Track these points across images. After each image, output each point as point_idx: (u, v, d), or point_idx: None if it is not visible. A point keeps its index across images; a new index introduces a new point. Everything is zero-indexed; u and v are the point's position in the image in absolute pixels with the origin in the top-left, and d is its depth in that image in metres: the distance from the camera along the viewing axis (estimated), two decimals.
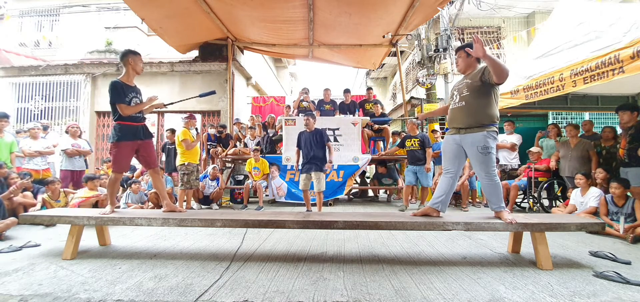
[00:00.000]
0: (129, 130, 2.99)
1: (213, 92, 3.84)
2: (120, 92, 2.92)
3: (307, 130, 4.79)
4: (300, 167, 4.87)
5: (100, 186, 5.03)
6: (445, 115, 2.99)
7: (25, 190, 4.51)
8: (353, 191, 6.63)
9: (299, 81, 21.29)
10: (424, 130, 8.21)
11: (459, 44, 8.72)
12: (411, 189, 5.79)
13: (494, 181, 2.64)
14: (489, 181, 2.65)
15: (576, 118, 8.18)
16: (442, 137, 6.85)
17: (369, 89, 7.42)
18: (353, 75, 17.52)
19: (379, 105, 6.99)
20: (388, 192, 7.16)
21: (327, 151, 4.72)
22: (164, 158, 6.55)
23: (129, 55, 3.00)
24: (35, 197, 4.59)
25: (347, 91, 7.42)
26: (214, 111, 7.98)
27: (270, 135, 6.97)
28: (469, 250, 2.96)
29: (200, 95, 3.74)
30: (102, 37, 10.23)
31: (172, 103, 3.45)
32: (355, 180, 6.30)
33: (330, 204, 6.16)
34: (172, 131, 6.17)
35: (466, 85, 2.68)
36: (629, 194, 3.70)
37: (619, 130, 4.48)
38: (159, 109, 3.15)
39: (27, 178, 4.61)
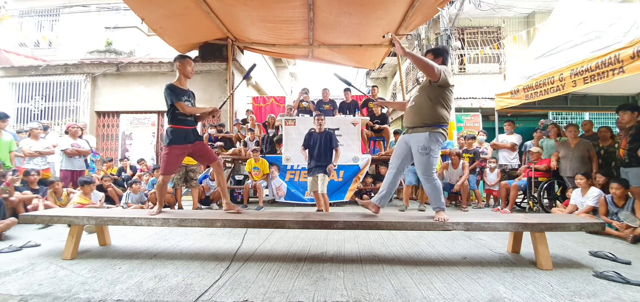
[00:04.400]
0: (180, 134, 3.02)
1: (254, 66, 3.66)
2: (177, 93, 2.99)
3: (318, 131, 4.70)
4: (307, 168, 4.84)
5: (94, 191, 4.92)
6: (402, 109, 3.06)
7: (30, 189, 4.51)
8: (357, 192, 6.53)
9: (299, 81, 21.28)
10: None
11: (459, 44, 8.73)
12: (412, 189, 5.79)
13: (431, 183, 2.71)
14: (426, 181, 2.73)
15: (576, 118, 8.16)
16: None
17: (374, 87, 7.40)
18: (353, 75, 17.50)
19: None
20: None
21: (334, 154, 4.68)
22: None
23: (177, 60, 3.09)
24: (42, 195, 4.58)
25: (347, 90, 7.39)
26: None
27: (271, 135, 6.97)
28: (469, 250, 2.96)
29: (244, 78, 3.71)
30: (102, 37, 10.23)
31: (223, 103, 3.50)
32: (358, 184, 6.22)
33: (330, 205, 6.15)
34: None
35: (419, 86, 2.79)
36: (629, 194, 3.70)
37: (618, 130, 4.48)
38: (212, 114, 3.23)
39: (16, 174, 4.55)
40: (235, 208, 3.08)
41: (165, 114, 8.10)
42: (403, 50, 2.51)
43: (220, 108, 3.30)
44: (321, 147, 4.60)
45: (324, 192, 4.53)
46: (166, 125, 3.09)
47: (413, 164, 2.82)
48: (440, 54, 2.79)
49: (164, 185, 3.15)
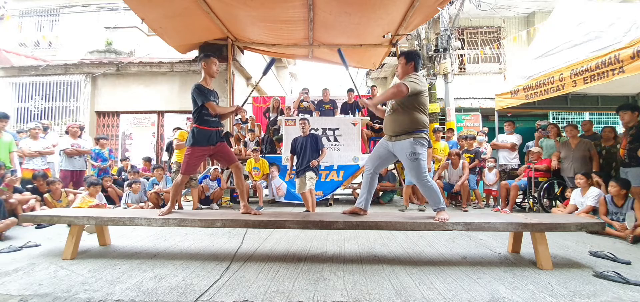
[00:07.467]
0: (204, 135, 3.01)
1: (273, 60, 3.65)
2: (205, 93, 2.97)
3: (303, 134, 4.83)
4: (294, 171, 4.94)
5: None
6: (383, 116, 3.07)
7: (39, 192, 4.52)
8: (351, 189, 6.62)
9: (299, 81, 21.25)
10: None
11: (459, 44, 8.72)
12: (412, 189, 5.79)
13: (426, 186, 2.73)
14: (421, 185, 2.77)
15: (576, 118, 8.16)
16: (443, 137, 6.88)
17: (373, 86, 7.42)
18: (353, 75, 17.50)
19: None
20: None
21: (320, 154, 4.78)
22: (165, 158, 6.53)
23: (202, 60, 3.07)
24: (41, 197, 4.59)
25: (350, 91, 7.41)
26: None
27: (271, 118, 7.08)
28: (469, 250, 2.96)
29: (264, 73, 3.65)
30: (102, 37, 10.22)
31: (245, 101, 3.51)
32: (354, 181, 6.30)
33: (330, 204, 6.16)
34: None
35: None
36: (629, 194, 3.70)
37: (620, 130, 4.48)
38: (236, 113, 3.32)
39: (15, 175, 4.56)
40: (252, 210, 3.01)
41: (162, 115, 8.18)
42: (370, 103, 2.85)
43: (242, 106, 3.31)
44: (307, 149, 4.71)
45: (312, 188, 4.59)
46: (190, 125, 3.07)
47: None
48: (412, 58, 2.82)
49: (182, 184, 3.16)
